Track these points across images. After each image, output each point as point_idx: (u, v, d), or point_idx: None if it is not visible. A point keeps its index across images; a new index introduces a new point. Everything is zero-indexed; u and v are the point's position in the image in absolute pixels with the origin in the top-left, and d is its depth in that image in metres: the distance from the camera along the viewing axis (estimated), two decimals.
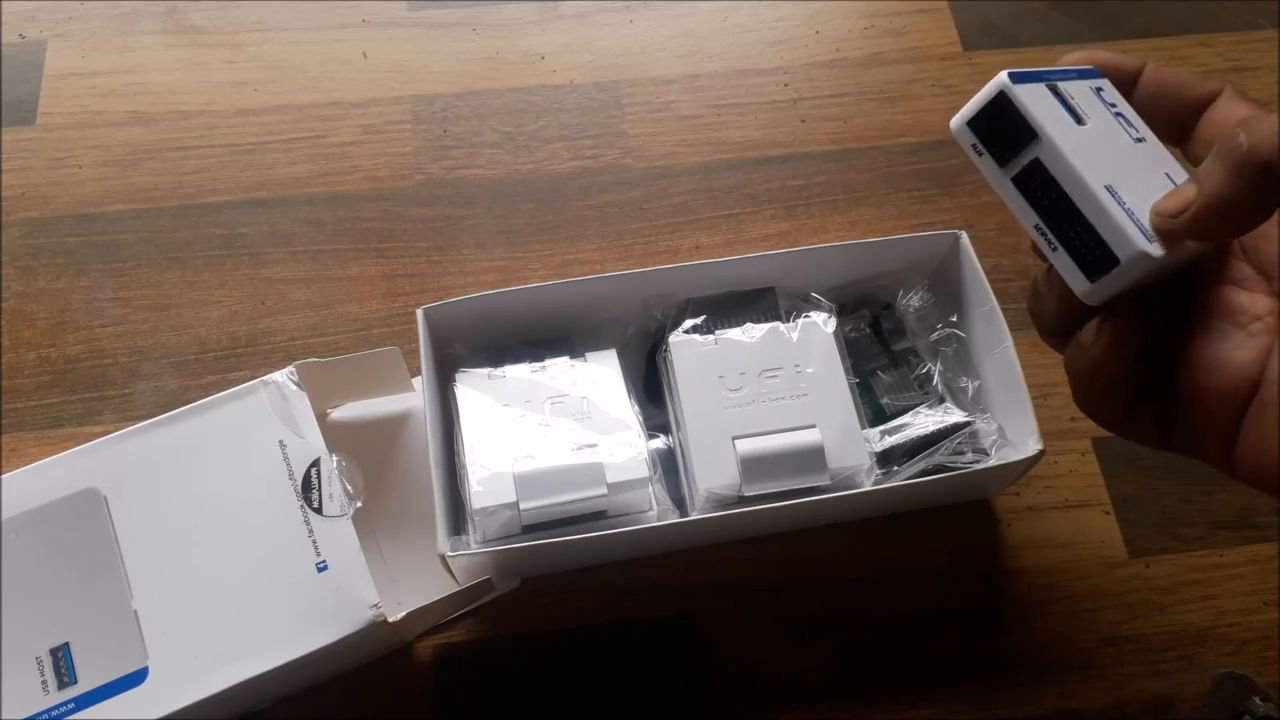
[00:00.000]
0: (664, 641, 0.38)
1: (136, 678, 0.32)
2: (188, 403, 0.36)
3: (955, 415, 0.38)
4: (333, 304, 0.44)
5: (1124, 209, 0.25)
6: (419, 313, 0.37)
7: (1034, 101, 0.26)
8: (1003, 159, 0.27)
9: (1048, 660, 0.38)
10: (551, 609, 0.38)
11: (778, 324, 0.39)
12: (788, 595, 0.39)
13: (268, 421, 0.36)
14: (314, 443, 0.36)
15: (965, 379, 0.39)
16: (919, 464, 0.37)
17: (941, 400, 0.39)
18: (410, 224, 0.46)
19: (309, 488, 0.35)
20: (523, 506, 0.34)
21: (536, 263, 0.45)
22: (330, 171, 0.47)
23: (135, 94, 0.49)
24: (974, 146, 0.27)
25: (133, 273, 0.45)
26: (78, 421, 0.41)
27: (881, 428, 0.38)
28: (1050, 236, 0.26)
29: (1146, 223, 0.25)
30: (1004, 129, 0.27)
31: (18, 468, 0.35)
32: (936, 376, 0.39)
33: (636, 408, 0.37)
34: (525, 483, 0.34)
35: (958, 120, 0.27)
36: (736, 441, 0.36)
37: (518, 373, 0.38)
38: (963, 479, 0.36)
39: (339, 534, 0.34)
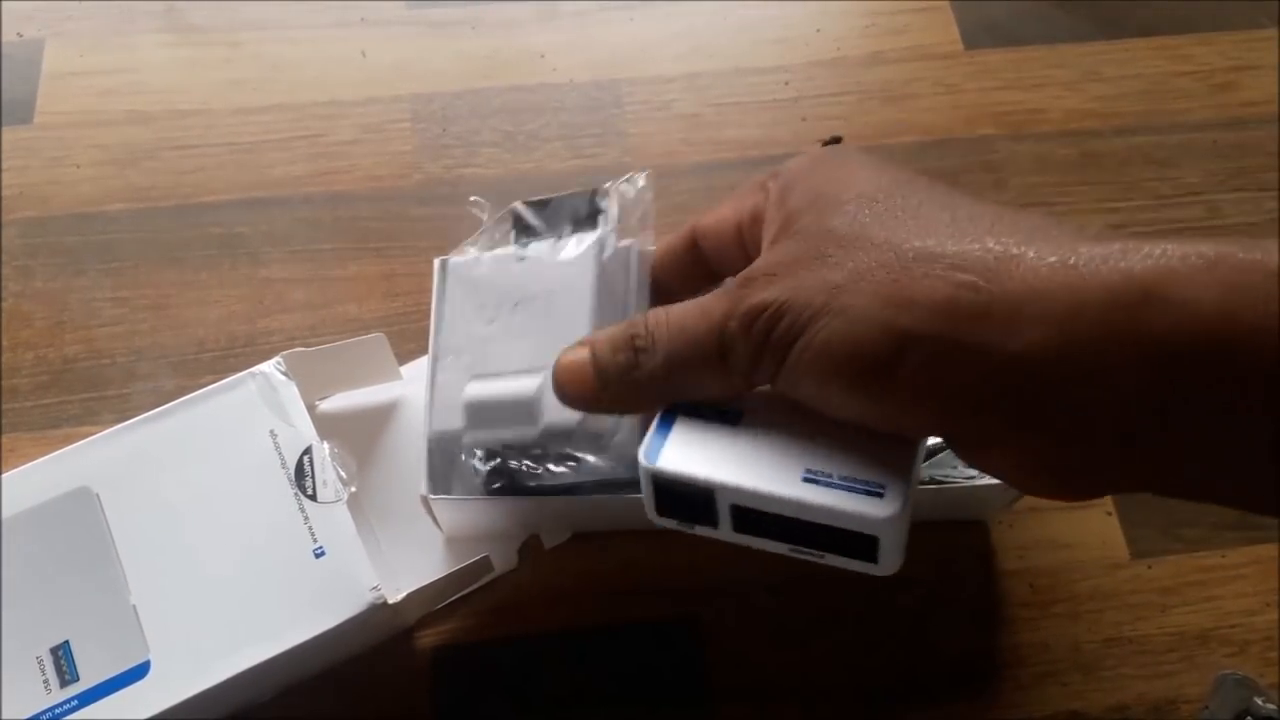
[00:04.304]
0: (664, 641, 0.38)
1: (139, 671, 0.32)
2: None
3: None
4: (331, 304, 0.44)
5: (838, 488, 0.24)
6: (435, 262, 0.36)
7: (679, 453, 0.25)
8: (711, 521, 0.26)
9: (1050, 661, 0.38)
10: (551, 609, 0.38)
11: (552, 240, 0.34)
12: (788, 595, 0.39)
13: (257, 412, 0.36)
14: (305, 430, 0.36)
15: None
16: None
17: None
18: (409, 223, 0.46)
19: (302, 475, 0.35)
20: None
21: None
22: (329, 170, 0.47)
23: (133, 93, 0.48)
24: (683, 525, 0.27)
25: (130, 272, 0.44)
26: (75, 422, 0.41)
27: None
28: (812, 552, 0.25)
29: (863, 477, 0.24)
30: (685, 500, 0.26)
31: (15, 469, 0.35)
32: None
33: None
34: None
35: (652, 515, 0.27)
36: (468, 383, 0.33)
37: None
38: (956, 493, 0.36)
39: (335, 519, 0.34)
